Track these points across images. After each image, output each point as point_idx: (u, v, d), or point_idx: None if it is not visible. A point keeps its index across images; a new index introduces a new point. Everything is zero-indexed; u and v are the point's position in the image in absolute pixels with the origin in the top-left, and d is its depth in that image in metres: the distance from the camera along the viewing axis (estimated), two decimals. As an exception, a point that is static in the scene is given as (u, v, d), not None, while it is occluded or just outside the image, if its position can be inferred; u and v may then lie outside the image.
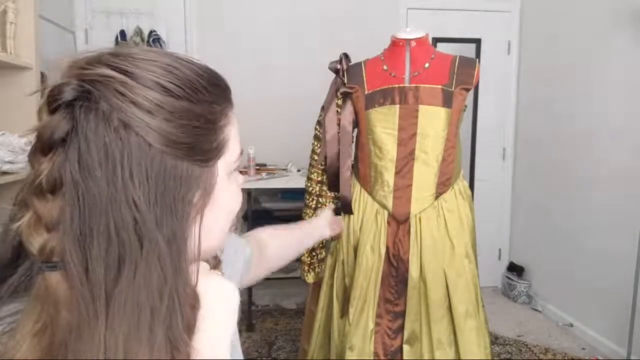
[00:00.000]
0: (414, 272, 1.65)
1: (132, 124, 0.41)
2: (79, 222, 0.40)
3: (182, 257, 0.44)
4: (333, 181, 1.79)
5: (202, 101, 0.47)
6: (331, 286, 1.81)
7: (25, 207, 0.41)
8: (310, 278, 1.89)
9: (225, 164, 0.52)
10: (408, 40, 1.70)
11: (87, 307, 0.40)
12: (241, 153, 0.56)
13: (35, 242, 0.40)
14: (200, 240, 0.47)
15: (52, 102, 0.41)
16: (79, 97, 0.41)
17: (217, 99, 0.49)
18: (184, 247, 0.45)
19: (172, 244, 0.43)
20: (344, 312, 1.74)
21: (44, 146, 0.41)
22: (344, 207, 1.78)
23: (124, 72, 0.43)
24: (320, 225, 1.22)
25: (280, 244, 1.09)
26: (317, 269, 1.88)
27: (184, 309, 0.44)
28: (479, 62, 1.81)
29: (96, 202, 0.40)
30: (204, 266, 0.51)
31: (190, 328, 0.45)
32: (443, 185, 1.68)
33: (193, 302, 0.46)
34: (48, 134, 0.40)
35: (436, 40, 2.98)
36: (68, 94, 0.41)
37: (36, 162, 0.41)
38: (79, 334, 0.39)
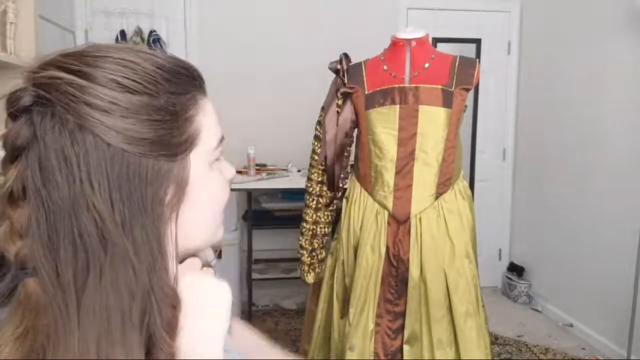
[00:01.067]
0: (414, 272, 1.65)
1: (86, 125, 0.41)
2: (45, 227, 0.40)
3: (156, 257, 0.43)
4: (333, 181, 1.79)
5: (163, 93, 0.45)
6: (331, 286, 1.81)
7: (2, 215, 0.42)
8: (310, 278, 1.89)
9: (203, 154, 0.48)
10: (408, 40, 1.70)
11: (60, 311, 0.40)
12: (222, 140, 0.51)
13: (11, 249, 0.41)
14: (176, 238, 0.46)
15: (12, 109, 0.42)
16: (35, 102, 0.41)
17: (181, 89, 0.47)
18: (160, 246, 0.44)
19: (145, 244, 0.43)
20: (344, 313, 1.74)
21: (9, 154, 0.41)
22: (329, 185, 1.79)
23: (75, 73, 0.42)
24: None
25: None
26: (317, 269, 1.88)
27: (162, 309, 0.43)
28: (479, 62, 1.81)
29: (59, 208, 0.40)
30: (195, 264, 0.50)
31: (172, 328, 0.44)
32: (443, 186, 1.68)
33: (174, 302, 0.45)
34: (10, 142, 0.41)
35: (436, 40, 2.98)
36: (25, 100, 0.41)
37: (6, 170, 0.42)
38: (56, 338, 0.40)
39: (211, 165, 0.50)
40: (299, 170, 3.18)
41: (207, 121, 0.49)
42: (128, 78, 0.43)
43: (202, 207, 0.49)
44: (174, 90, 0.46)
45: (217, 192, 0.51)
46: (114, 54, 0.44)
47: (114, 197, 0.41)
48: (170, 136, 0.45)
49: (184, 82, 0.47)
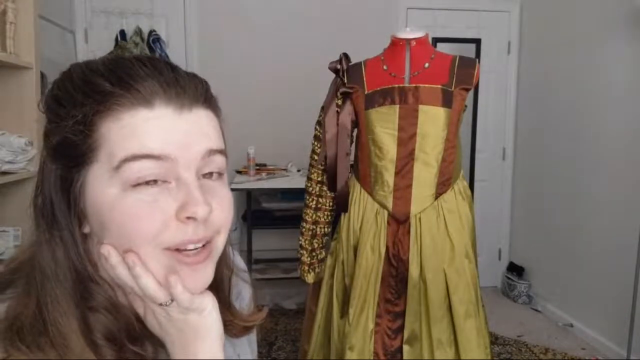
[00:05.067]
0: (414, 272, 1.65)
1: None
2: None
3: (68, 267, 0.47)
4: (333, 181, 1.79)
5: (71, 103, 0.46)
6: (331, 286, 1.81)
7: None
8: (310, 278, 1.89)
9: (105, 172, 0.45)
10: (408, 40, 1.70)
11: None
12: (158, 158, 0.45)
13: None
14: (80, 253, 0.47)
15: None
16: None
17: (89, 99, 0.45)
18: (75, 256, 0.47)
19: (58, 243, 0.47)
20: (344, 312, 1.74)
21: None
22: (340, 206, 1.78)
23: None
24: None
25: None
26: (317, 269, 1.88)
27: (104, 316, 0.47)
28: (479, 62, 1.81)
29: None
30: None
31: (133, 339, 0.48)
32: (443, 185, 1.68)
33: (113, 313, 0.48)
34: None
35: (436, 40, 2.98)
36: None
37: None
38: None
39: (125, 188, 0.44)
40: (298, 170, 3.18)
41: (122, 134, 0.44)
42: (59, 88, 0.48)
43: (111, 236, 0.46)
44: (81, 99, 0.45)
45: (132, 224, 0.44)
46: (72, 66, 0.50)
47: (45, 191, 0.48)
48: (72, 146, 0.46)
49: (90, 91, 0.45)
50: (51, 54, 2.49)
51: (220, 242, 0.50)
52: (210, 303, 0.49)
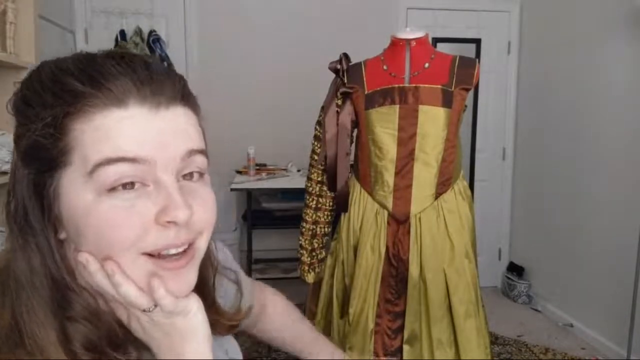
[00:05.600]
0: (414, 272, 1.65)
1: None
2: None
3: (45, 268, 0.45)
4: (333, 181, 1.79)
5: (40, 104, 0.44)
6: (331, 286, 1.81)
7: None
8: (310, 278, 1.89)
9: (80, 176, 0.43)
10: (408, 40, 1.70)
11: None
12: (133, 161, 0.43)
13: None
14: (57, 260, 0.46)
15: None
16: None
17: (59, 99, 0.43)
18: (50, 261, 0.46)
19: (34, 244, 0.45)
20: (344, 312, 1.74)
21: None
22: (340, 206, 1.78)
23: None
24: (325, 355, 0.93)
25: (284, 323, 0.89)
26: (317, 269, 1.88)
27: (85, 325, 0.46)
28: (479, 62, 1.81)
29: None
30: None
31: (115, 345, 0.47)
32: (443, 186, 1.68)
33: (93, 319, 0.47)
34: None
35: (436, 40, 2.98)
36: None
37: None
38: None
39: (100, 193, 0.42)
40: (298, 170, 3.18)
41: (95, 138, 0.42)
42: (27, 88, 0.46)
43: (88, 243, 0.44)
44: (51, 101, 0.43)
45: (109, 231, 0.43)
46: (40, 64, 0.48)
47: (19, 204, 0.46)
48: (43, 149, 0.43)
49: (62, 92, 0.43)
50: (51, 54, 2.48)
51: (203, 243, 0.49)
52: (195, 305, 0.48)
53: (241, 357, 0.64)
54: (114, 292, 0.45)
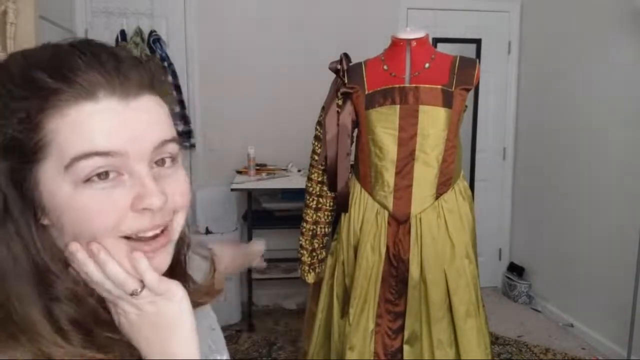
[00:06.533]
0: (414, 272, 1.65)
1: None
2: None
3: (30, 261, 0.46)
4: (333, 181, 1.79)
5: (12, 99, 0.44)
6: (331, 286, 1.81)
7: None
8: (310, 278, 1.89)
9: (60, 168, 0.44)
10: (408, 40, 1.70)
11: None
12: (106, 155, 0.44)
13: None
14: (38, 247, 0.46)
15: None
16: None
17: (31, 95, 0.43)
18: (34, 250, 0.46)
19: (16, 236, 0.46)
20: (344, 313, 1.74)
21: None
22: (340, 206, 1.78)
23: None
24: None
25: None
26: (317, 269, 1.88)
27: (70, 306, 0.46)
28: (479, 62, 1.81)
29: None
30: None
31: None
32: (443, 186, 1.68)
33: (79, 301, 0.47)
34: None
35: (436, 40, 2.98)
36: None
37: None
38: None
39: (77, 184, 0.44)
40: (299, 170, 3.18)
41: (71, 129, 0.43)
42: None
43: (71, 232, 0.46)
44: (24, 94, 0.44)
45: (89, 219, 0.44)
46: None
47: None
48: (18, 141, 0.44)
49: (34, 83, 0.44)
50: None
51: (179, 221, 0.50)
52: (180, 291, 0.49)
53: (219, 329, 0.65)
54: (104, 280, 0.46)
